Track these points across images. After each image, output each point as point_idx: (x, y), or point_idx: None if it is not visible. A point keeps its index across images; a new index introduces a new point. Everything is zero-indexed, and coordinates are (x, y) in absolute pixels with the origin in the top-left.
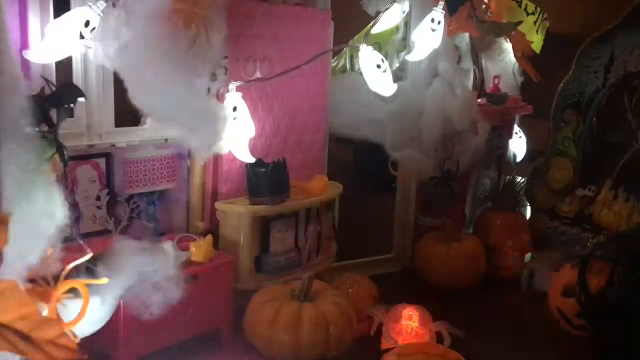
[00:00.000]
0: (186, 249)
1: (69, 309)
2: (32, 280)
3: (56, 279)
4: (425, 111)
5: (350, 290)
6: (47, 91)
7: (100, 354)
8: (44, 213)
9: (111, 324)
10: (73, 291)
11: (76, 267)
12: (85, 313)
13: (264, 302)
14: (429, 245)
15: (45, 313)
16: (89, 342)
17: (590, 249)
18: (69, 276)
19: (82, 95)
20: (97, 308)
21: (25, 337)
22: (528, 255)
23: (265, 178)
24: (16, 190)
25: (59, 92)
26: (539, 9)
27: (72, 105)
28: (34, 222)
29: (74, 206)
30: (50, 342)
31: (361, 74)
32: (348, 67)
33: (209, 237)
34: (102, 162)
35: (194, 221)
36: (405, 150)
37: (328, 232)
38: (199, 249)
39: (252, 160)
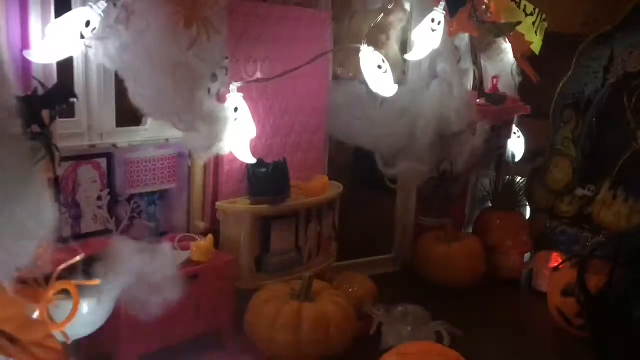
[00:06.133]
0: (187, 248)
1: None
2: (22, 282)
3: (47, 280)
4: (422, 114)
5: (350, 290)
6: (40, 92)
7: (101, 353)
8: (34, 214)
9: (112, 324)
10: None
11: (71, 268)
12: (76, 314)
13: (264, 301)
14: (429, 245)
15: (35, 314)
16: (89, 342)
17: (589, 248)
18: (60, 277)
19: (73, 96)
20: (93, 309)
21: (12, 339)
22: (528, 255)
23: (266, 178)
24: (5, 191)
25: (50, 93)
26: (537, 10)
27: (63, 106)
28: (23, 223)
29: (75, 206)
30: (37, 344)
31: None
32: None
33: (210, 237)
34: (103, 162)
35: (194, 221)
36: (399, 165)
37: (328, 232)
38: (200, 249)
39: (253, 160)
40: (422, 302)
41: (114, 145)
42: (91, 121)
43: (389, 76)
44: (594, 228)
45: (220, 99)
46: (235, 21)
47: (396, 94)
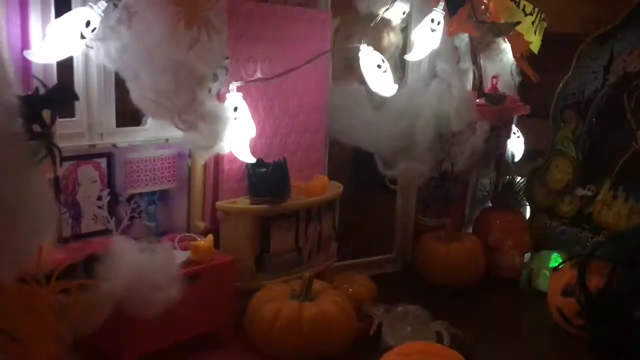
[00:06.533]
0: (187, 248)
1: None
2: (23, 281)
3: (48, 279)
4: (421, 114)
5: (350, 290)
6: (41, 92)
7: (100, 353)
8: (35, 214)
9: (111, 324)
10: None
11: (71, 268)
12: (78, 314)
13: (264, 301)
14: (429, 244)
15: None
16: (89, 342)
17: (589, 248)
18: (61, 277)
19: (74, 96)
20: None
21: (12, 338)
22: (528, 255)
23: (266, 178)
24: (6, 190)
25: (51, 93)
26: (537, 9)
27: (64, 106)
28: (24, 222)
29: (75, 206)
30: (37, 343)
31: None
32: None
33: (210, 236)
34: (103, 162)
35: (194, 221)
36: (399, 165)
37: (328, 231)
38: (200, 249)
39: (252, 160)
40: (422, 302)
41: (114, 145)
42: (91, 121)
43: (389, 76)
44: (594, 228)
45: (221, 98)
46: (235, 21)
47: (396, 94)
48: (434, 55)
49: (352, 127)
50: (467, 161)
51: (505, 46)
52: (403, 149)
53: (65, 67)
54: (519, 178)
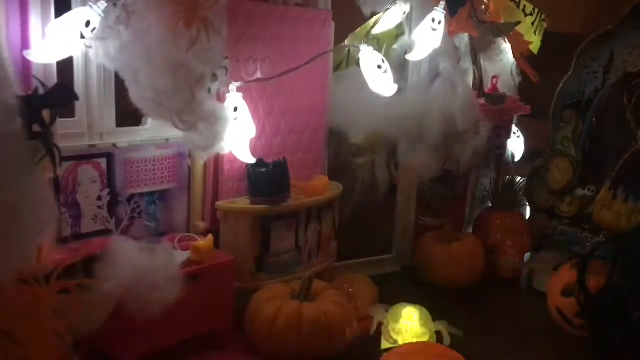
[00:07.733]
0: (187, 248)
1: None
2: (23, 281)
3: (47, 279)
4: (427, 112)
5: (350, 290)
6: (41, 92)
7: (101, 353)
8: (35, 214)
9: (111, 324)
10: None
11: (71, 268)
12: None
13: (264, 301)
14: (429, 245)
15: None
16: (88, 341)
17: (589, 249)
18: (60, 277)
19: (74, 96)
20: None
21: (11, 337)
22: (527, 255)
23: (266, 178)
24: (5, 190)
25: (51, 93)
26: (537, 10)
27: (64, 106)
28: (24, 222)
29: (75, 206)
30: (37, 343)
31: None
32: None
33: (210, 237)
34: (103, 162)
35: (194, 221)
36: (417, 155)
37: (328, 231)
38: (200, 249)
39: (252, 160)
40: (422, 302)
41: (114, 145)
42: (91, 121)
43: (389, 76)
44: (594, 228)
45: (221, 98)
46: (235, 21)
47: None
48: (435, 55)
49: (369, 115)
50: (470, 160)
51: (505, 46)
52: (419, 137)
53: (65, 67)
54: (519, 178)
